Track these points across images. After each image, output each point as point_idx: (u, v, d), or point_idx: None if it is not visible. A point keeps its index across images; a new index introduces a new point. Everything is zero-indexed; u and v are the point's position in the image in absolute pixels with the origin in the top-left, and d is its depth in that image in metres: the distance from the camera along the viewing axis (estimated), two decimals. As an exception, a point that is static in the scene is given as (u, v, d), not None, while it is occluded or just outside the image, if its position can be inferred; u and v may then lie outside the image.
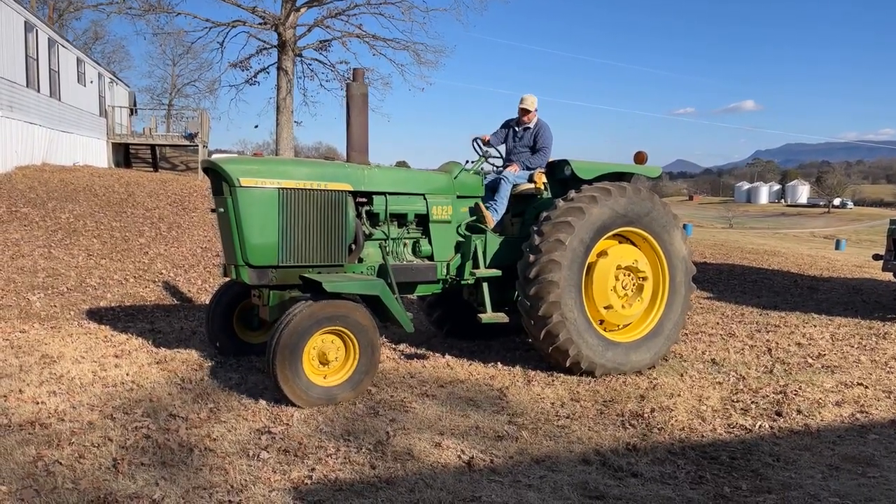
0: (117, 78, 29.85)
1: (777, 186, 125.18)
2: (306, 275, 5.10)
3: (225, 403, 4.65)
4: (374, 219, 5.85)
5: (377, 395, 5.01)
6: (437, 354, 6.33)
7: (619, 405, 5.03)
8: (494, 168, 6.79)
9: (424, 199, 5.98)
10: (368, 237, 5.79)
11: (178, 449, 3.84)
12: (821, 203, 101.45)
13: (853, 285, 12.47)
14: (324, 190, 5.39)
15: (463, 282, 6.14)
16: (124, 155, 26.68)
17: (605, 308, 5.87)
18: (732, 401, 5.22)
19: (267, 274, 5.26)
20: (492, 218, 6.16)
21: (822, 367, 6.32)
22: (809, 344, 7.27)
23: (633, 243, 6.16)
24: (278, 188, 5.21)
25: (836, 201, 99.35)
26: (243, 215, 5.09)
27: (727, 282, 12.22)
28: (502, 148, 6.81)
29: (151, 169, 26.19)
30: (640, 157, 6.47)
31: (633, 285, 5.98)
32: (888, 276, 10.64)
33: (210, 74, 31.00)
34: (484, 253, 6.09)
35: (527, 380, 5.63)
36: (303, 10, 25.94)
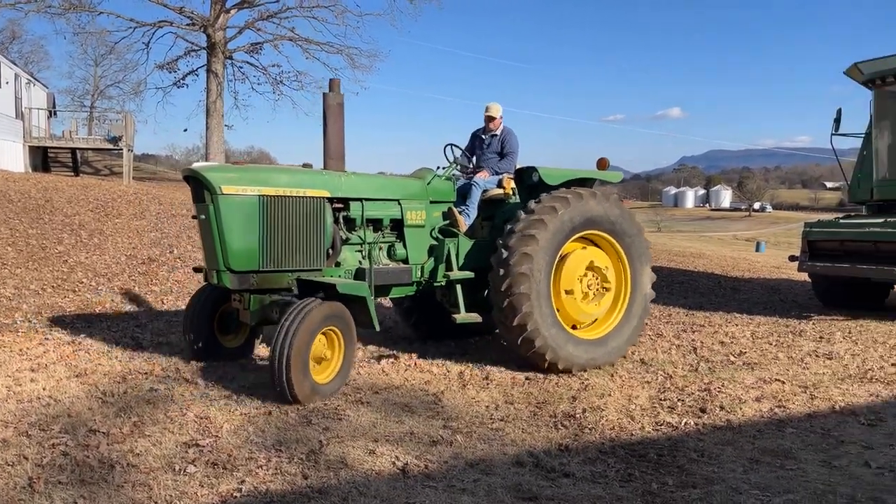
0: (35, 79, 28.48)
1: (702, 191, 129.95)
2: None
3: (149, 416, 4.48)
4: (350, 224, 6.02)
5: (310, 404, 4.92)
6: (372, 361, 6.28)
7: (552, 406, 5.10)
8: (464, 175, 6.99)
9: (399, 204, 6.18)
10: (346, 242, 5.97)
11: (99, 466, 3.68)
12: (742, 207, 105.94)
13: (772, 285, 13.06)
14: (302, 197, 5.54)
15: (436, 283, 6.36)
16: (42, 159, 25.46)
17: (565, 294, 6.17)
18: (660, 399, 5.37)
19: (248, 278, 5.40)
20: (464, 222, 6.42)
21: (744, 364, 6.57)
22: (732, 342, 7.56)
23: (598, 246, 6.50)
24: (259, 195, 5.34)
25: (756, 205, 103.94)
26: (225, 222, 5.22)
27: (656, 284, 12.57)
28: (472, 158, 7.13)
29: (72, 173, 25.07)
30: (602, 164, 6.79)
31: (597, 285, 6.33)
32: (803, 276, 11.18)
33: (135, 76, 29.93)
34: (457, 256, 6.32)
35: (462, 384, 5.65)
36: (233, 11, 25.41)
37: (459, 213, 6.41)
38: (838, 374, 6.23)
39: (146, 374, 5.52)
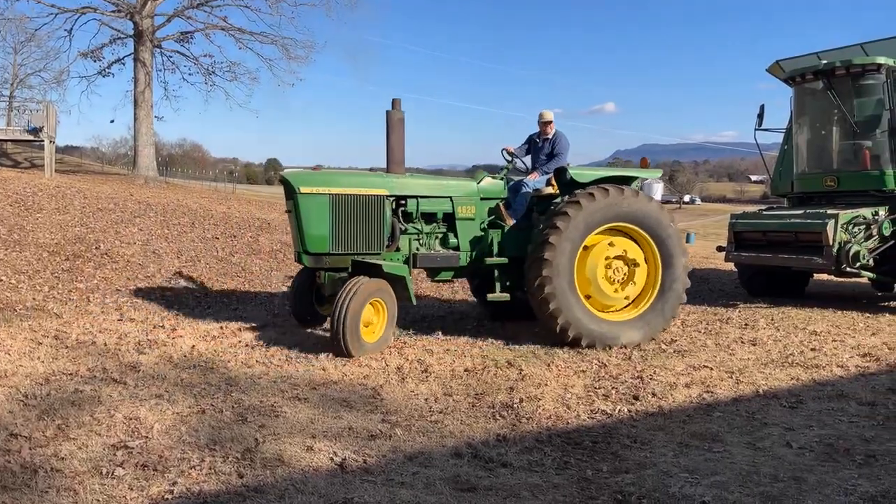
0: (-54, 66, 26.87)
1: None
2: (358, 259, 6.63)
3: (75, 419, 4.31)
4: (408, 217, 7.18)
5: (246, 401, 4.83)
6: (310, 356, 6.20)
7: (491, 397, 5.15)
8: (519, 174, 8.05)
9: (451, 200, 7.26)
10: (404, 232, 7.13)
11: (21, 471, 3.51)
12: (673, 199, 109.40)
13: (701, 275, 13.52)
14: (365, 195, 6.80)
15: (483, 267, 7.30)
16: (-44, 151, 24.08)
17: (589, 280, 6.87)
18: (595, 388, 5.49)
19: (322, 259, 6.76)
20: (510, 217, 7.37)
21: (674, 351, 6.79)
22: (663, 331, 7.79)
23: (632, 238, 7.08)
24: (329, 193, 6.68)
25: (686, 198, 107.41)
26: (303, 214, 6.62)
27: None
28: (527, 158, 8.12)
29: (-11, 166, 23.79)
30: (643, 163, 8.10)
31: (624, 272, 6.97)
32: (731, 266, 11.61)
33: (58, 64, 28.53)
34: (500, 245, 7.25)
35: (401, 377, 5.64)
36: (161, -2, 24.57)
37: (507, 207, 7.40)
38: (762, 359, 6.50)
39: (71, 374, 5.31)
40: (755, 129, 11.33)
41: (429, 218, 7.26)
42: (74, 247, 10.56)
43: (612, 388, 5.48)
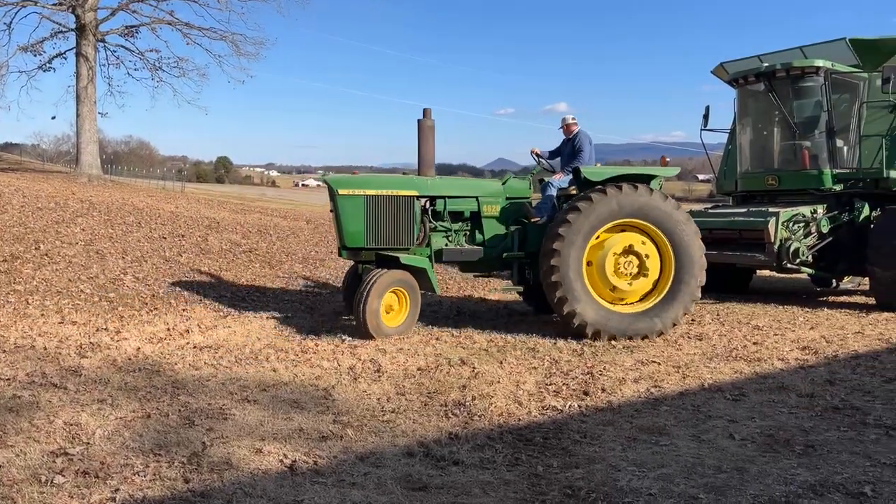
0: None
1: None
2: (381, 253, 7.37)
3: (12, 426, 4.14)
4: (437, 215, 7.79)
5: (193, 404, 4.73)
6: (261, 358, 6.11)
7: (443, 396, 5.15)
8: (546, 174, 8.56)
9: (477, 200, 7.83)
10: (433, 229, 7.74)
11: (-48, 482, 3.36)
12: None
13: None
14: (397, 195, 7.47)
15: (502, 261, 7.84)
16: None
17: (599, 273, 7.24)
18: (546, 384, 5.55)
19: (359, 254, 7.52)
20: (534, 216, 7.86)
21: (623, 347, 6.91)
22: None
23: (646, 234, 7.37)
24: (364, 195, 7.37)
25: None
26: (342, 214, 7.36)
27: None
28: (556, 161, 8.63)
29: (-79, 163, 22.74)
30: (662, 161, 9.04)
31: (634, 266, 7.30)
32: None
33: (-5, 59, 27.39)
34: (522, 240, 7.76)
35: (353, 377, 5.60)
36: (105, -9, 23.85)
37: (532, 205, 7.93)
38: (707, 353, 6.68)
39: (9, 380, 5.10)
40: (701, 130, 11.64)
41: (456, 216, 7.86)
42: (12, 247, 10.17)
43: (564, 384, 5.54)
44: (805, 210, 9.73)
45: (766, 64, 10.45)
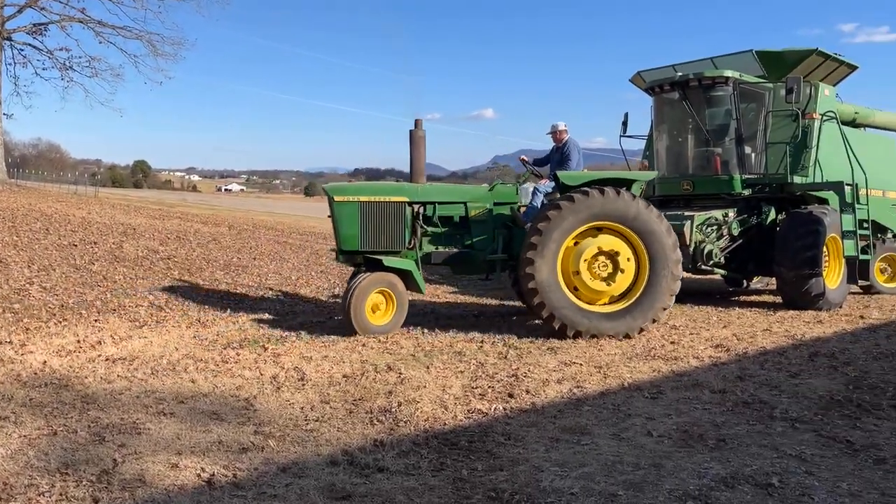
0: None
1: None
2: (368, 255, 7.82)
3: None
4: (427, 220, 8.25)
5: (104, 419, 4.51)
6: (178, 370, 5.89)
7: (369, 403, 5.10)
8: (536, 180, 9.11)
9: (465, 205, 8.26)
10: (424, 233, 8.19)
11: None
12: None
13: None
14: (388, 202, 7.93)
15: (487, 263, 8.26)
16: None
17: (574, 275, 7.56)
18: (472, 387, 5.57)
19: (354, 257, 8.02)
20: (522, 220, 8.22)
21: (548, 349, 7.03)
22: (537, 330, 8.06)
23: (624, 238, 7.62)
24: (358, 201, 7.86)
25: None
26: (338, 219, 7.88)
27: (470, 278, 13.06)
28: (546, 168, 9.12)
29: None
30: (641, 166, 9.55)
31: (608, 268, 7.57)
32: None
33: None
34: (508, 243, 8.20)
35: (276, 387, 5.48)
36: (10, -14, 22.62)
37: (519, 210, 8.34)
38: (627, 353, 6.87)
39: None
40: (620, 136, 11.99)
41: (445, 220, 8.27)
42: None
43: (489, 387, 5.59)
44: (717, 214, 10.17)
45: (680, 73, 10.88)
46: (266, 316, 8.68)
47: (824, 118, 10.75)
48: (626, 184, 7.96)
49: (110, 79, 25.58)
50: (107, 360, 6.13)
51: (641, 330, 7.66)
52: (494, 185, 8.57)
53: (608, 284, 7.58)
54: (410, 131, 8.33)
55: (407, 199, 8.06)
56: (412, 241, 8.12)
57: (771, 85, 10.72)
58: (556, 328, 7.45)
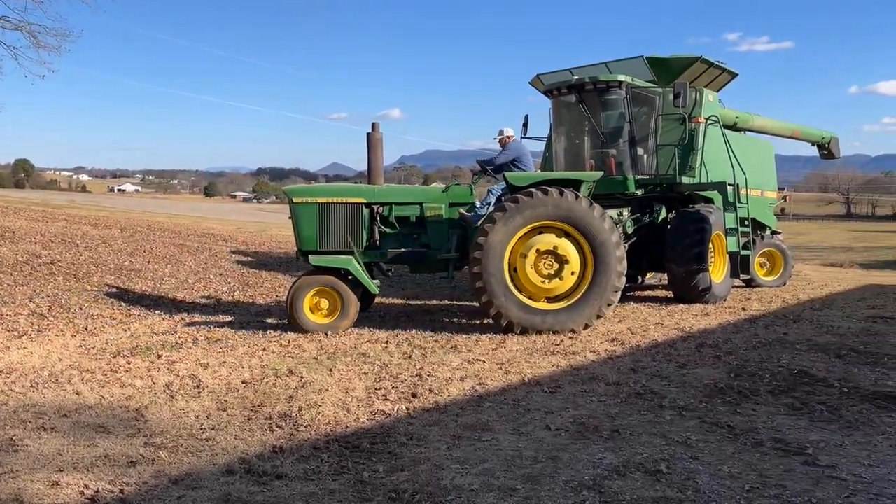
0: None
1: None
2: (311, 257, 8.09)
3: None
4: (384, 220, 8.43)
5: (-25, 437, 4.18)
6: (62, 380, 5.54)
7: (269, 408, 4.98)
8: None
9: (421, 206, 8.46)
10: (381, 233, 8.39)
11: None
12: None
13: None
14: (346, 203, 8.23)
15: (442, 261, 8.41)
16: None
17: (520, 273, 7.77)
18: (375, 389, 5.54)
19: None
20: (470, 220, 8.38)
21: (452, 347, 7.09)
22: (442, 329, 8.12)
23: (568, 235, 7.84)
24: (317, 202, 8.18)
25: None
26: (297, 220, 8.18)
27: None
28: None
29: None
30: (589, 167, 10.11)
31: (554, 267, 7.78)
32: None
33: None
34: (458, 242, 8.37)
35: (170, 395, 5.25)
36: None
37: (468, 210, 8.52)
38: (528, 349, 7.03)
39: None
40: (521, 137, 12.23)
41: (402, 221, 8.46)
42: None
43: (392, 387, 5.57)
44: (613, 213, 10.55)
45: (577, 77, 11.23)
46: (160, 322, 8.31)
47: (709, 122, 11.39)
48: (573, 184, 8.15)
49: (-12, 71, 23.70)
50: (-20, 373, 5.68)
51: (587, 326, 7.89)
52: (450, 187, 8.81)
53: (554, 282, 7.79)
54: (368, 134, 8.51)
55: (364, 201, 8.29)
56: (370, 241, 8.34)
57: (661, 89, 11.23)
58: (504, 325, 7.68)
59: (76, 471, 3.73)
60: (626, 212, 10.71)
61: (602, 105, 11.05)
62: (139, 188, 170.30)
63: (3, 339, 6.99)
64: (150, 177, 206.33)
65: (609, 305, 8.07)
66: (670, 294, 11.08)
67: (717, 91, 12.55)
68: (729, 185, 10.64)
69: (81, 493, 3.46)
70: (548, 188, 7.83)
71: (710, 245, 10.55)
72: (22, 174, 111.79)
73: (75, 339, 7.14)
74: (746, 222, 10.94)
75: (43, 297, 9.03)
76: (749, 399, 5.25)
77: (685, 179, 11.01)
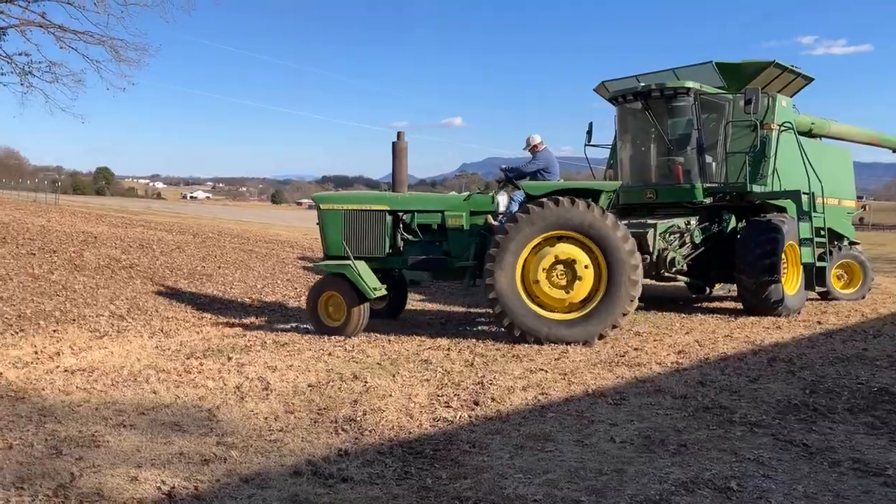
0: None
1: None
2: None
3: None
4: (406, 227, 8.65)
5: (62, 432, 4.41)
6: (140, 381, 5.79)
7: (334, 412, 5.08)
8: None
9: (442, 214, 8.56)
10: (404, 240, 8.60)
11: None
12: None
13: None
14: (370, 210, 8.49)
15: (462, 268, 8.50)
16: None
17: (534, 283, 7.74)
18: (438, 395, 5.58)
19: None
20: (497, 229, 8.14)
21: (514, 356, 7.07)
22: (503, 337, 8.10)
23: (582, 245, 7.76)
24: (343, 209, 8.49)
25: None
26: (324, 226, 8.56)
27: (439, 285, 13.06)
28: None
29: None
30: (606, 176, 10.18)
31: (566, 276, 7.71)
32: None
33: None
34: (477, 250, 8.37)
35: (240, 396, 5.42)
36: (-35, -11, 22.04)
37: (495, 217, 8.52)
38: (592, 360, 6.95)
39: None
40: (585, 145, 12.14)
41: (424, 228, 8.63)
42: None
43: (455, 395, 5.60)
44: (679, 222, 10.34)
45: (643, 84, 11.06)
46: (230, 325, 8.58)
47: (782, 128, 11.03)
48: (592, 194, 8.07)
49: (71, 84, 24.96)
50: (65, 371, 6.00)
51: (602, 336, 7.75)
52: (471, 195, 8.81)
53: (567, 292, 7.71)
54: (393, 143, 8.70)
55: (387, 208, 8.50)
56: (393, 248, 8.52)
57: (730, 96, 10.95)
58: (517, 336, 7.65)
59: (153, 467, 3.90)
60: (693, 221, 10.48)
61: (669, 112, 10.86)
62: (210, 195, 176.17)
63: (86, 338, 7.35)
64: (221, 184, 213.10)
65: (624, 315, 7.89)
66: (740, 306, 10.75)
67: (792, 96, 12.14)
68: (804, 193, 10.26)
69: (158, 488, 3.61)
70: (559, 198, 7.75)
71: (783, 256, 10.19)
72: (103, 182, 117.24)
73: (152, 340, 7.45)
74: (822, 232, 10.52)
75: (122, 300, 9.46)
76: (825, 417, 5.05)
77: (756, 188, 10.68)
